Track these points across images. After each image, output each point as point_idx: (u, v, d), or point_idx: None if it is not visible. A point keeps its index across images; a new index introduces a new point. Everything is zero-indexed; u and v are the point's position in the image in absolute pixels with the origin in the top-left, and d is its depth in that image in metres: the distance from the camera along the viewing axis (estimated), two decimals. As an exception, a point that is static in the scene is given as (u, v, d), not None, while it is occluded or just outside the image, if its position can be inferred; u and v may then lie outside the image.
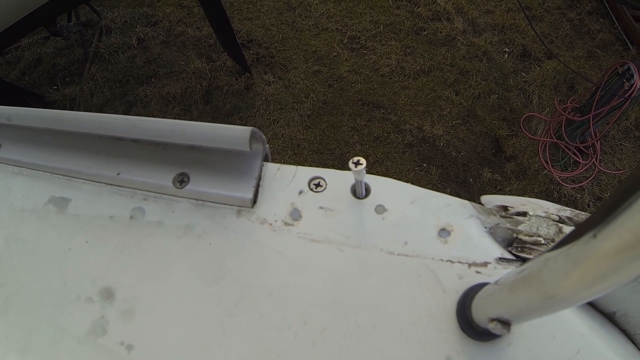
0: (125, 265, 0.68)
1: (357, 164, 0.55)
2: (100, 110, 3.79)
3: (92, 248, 0.71)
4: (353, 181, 0.64)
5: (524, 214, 0.64)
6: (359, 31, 4.34)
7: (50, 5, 2.56)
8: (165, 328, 0.62)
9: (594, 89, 3.50)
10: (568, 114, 3.64)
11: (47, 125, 0.79)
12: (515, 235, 0.62)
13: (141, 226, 0.70)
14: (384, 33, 4.32)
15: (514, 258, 0.60)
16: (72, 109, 3.77)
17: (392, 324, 0.55)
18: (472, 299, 0.52)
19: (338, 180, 0.66)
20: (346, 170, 0.60)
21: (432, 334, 0.54)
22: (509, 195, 3.37)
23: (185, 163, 0.70)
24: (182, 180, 0.69)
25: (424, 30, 4.34)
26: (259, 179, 0.67)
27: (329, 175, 0.67)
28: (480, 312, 0.49)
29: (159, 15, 4.53)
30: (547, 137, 3.67)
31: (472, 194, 3.41)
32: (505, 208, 0.65)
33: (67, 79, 4.12)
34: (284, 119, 3.67)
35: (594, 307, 0.71)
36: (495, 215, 0.64)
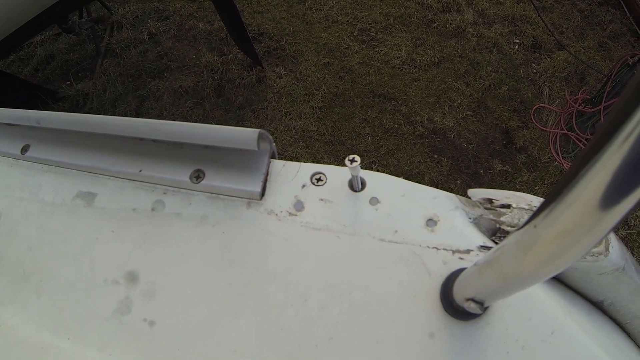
0: (148, 251, 0.76)
1: (352, 161, 0.62)
2: (113, 104, 3.87)
3: (117, 237, 0.79)
4: (350, 176, 0.70)
5: (508, 206, 0.70)
6: (369, 23, 4.36)
7: (63, 3, 2.63)
8: (182, 306, 0.70)
9: (604, 80, 3.50)
10: (579, 106, 3.64)
11: (73, 127, 0.86)
12: (498, 225, 0.68)
13: (161, 217, 0.77)
14: (394, 25, 4.34)
15: (494, 246, 0.66)
16: (85, 104, 3.86)
17: (382, 303, 0.62)
18: (454, 282, 0.58)
19: (337, 175, 0.73)
20: (345, 166, 0.66)
21: (418, 313, 0.61)
22: (519, 188, 3.38)
23: (201, 160, 0.77)
24: (198, 175, 0.76)
25: (434, 22, 4.35)
26: (267, 174, 0.75)
27: (329, 170, 0.74)
28: (460, 293, 0.56)
29: (169, 10, 4.59)
30: (557, 129, 3.68)
31: (482, 186, 3.43)
32: (490, 201, 0.72)
33: (79, 75, 4.20)
34: (296, 111, 3.72)
35: (582, 296, 0.76)
36: (479, 207, 0.70)
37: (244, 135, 0.67)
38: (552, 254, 0.36)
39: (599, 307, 0.78)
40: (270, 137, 0.72)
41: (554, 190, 0.35)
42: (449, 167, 3.46)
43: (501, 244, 0.43)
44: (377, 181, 0.71)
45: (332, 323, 0.62)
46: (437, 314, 0.60)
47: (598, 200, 0.30)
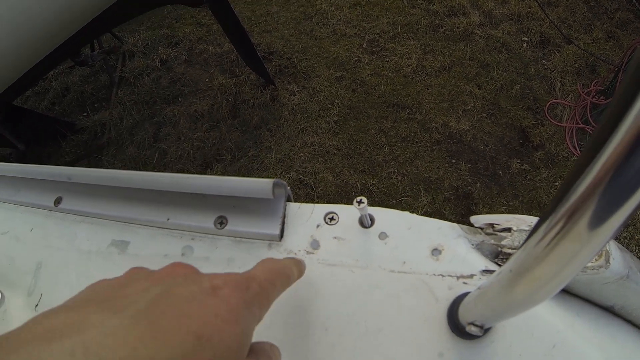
0: (182, 294, 0.83)
1: (360, 202, 0.68)
2: (130, 132, 3.97)
3: (153, 281, 0.86)
4: (360, 214, 0.77)
5: (509, 229, 0.75)
6: (377, 34, 4.42)
7: (75, 39, 2.73)
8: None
9: (616, 70, 3.49)
10: (592, 98, 3.63)
11: (102, 182, 0.92)
12: (499, 249, 0.73)
13: (191, 261, 0.84)
14: (402, 34, 4.39)
15: (497, 269, 0.71)
16: (103, 134, 3.99)
17: (394, 329, 0.68)
18: (459, 305, 0.64)
19: (348, 214, 0.79)
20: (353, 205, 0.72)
21: (427, 336, 0.66)
22: (539, 185, 3.37)
23: (223, 208, 0.84)
24: (221, 222, 0.83)
25: (441, 27, 4.39)
26: (284, 217, 0.81)
27: (341, 210, 0.80)
28: (464, 316, 0.62)
29: (179, 36, 4.71)
30: (573, 123, 3.67)
31: (502, 187, 3.44)
32: (492, 225, 0.77)
33: (95, 105, 4.33)
34: (312, 127, 3.78)
35: (591, 302, 0.80)
36: (480, 233, 0.75)
37: (260, 186, 0.74)
38: (528, 294, 0.41)
39: (610, 311, 0.81)
40: (284, 183, 0.79)
41: (527, 236, 0.40)
42: (467, 171, 3.47)
43: (489, 279, 0.49)
44: (385, 217, 0.77)
45: (350, 347, 0.68)
46: (445, 335, 0.66)
47: (586, 225, 0.31)
